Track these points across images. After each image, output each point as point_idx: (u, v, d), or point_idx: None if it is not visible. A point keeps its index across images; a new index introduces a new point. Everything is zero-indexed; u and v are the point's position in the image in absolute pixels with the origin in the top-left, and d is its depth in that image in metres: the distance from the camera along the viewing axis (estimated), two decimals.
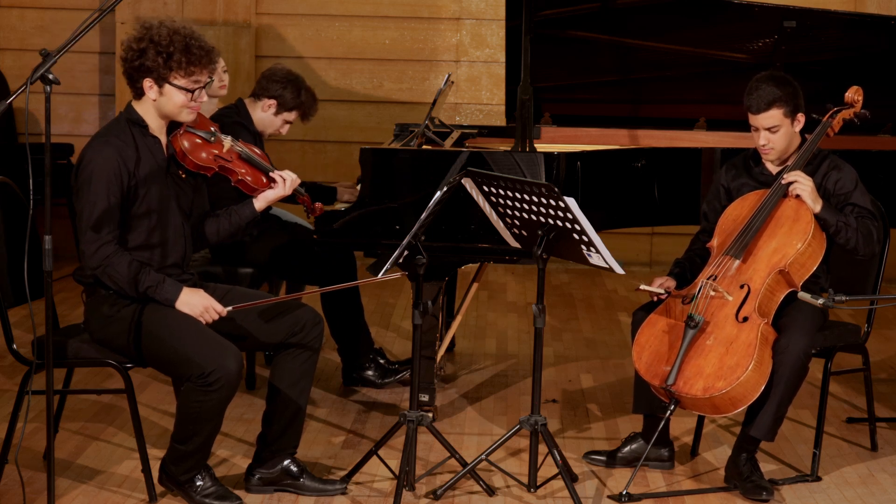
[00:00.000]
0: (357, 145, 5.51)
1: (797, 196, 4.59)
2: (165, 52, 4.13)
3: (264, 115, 5.61)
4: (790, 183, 4.60)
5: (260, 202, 4.40)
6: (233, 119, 5.50)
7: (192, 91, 4.18)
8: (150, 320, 4.19)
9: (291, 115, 5.64)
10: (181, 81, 4.17)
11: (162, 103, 4.21)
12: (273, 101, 5.59)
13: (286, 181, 4.40)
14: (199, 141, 4.29)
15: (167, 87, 4.17)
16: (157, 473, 4.33)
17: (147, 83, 4.18)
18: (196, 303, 4.21)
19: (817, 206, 4.59)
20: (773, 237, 4.59)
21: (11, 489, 4.31)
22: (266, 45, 8.60)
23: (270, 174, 4.41)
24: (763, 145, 4.70)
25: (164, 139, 4.28)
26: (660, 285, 4.68)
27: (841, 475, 4.81)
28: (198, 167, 4.29)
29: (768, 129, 4.66)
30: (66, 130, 8.66)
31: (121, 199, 4.14)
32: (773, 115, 4.65)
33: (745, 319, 4.47)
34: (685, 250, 4.90)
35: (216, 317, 4.23)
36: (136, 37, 4.17)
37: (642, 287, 4.64)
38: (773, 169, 4.76)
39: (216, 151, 4.30)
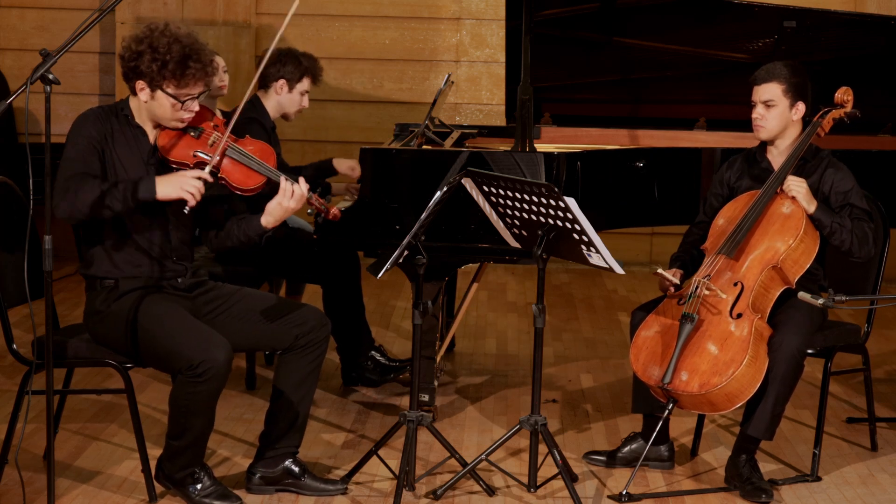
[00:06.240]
0: (357, 145, 5.52)
1: (792, 198, 4.61)
2: (161, 60, 4.12)
3: (281, 98, 5.74)
4: (783, 183, 4.63)
5: (266, 217, 4.22)
6: (246, 116, 5.55)
7: (183, 101, 4.17)
8: (142, 316, 4.19)
9: (304, 84, 5.75)
10: (173, 91, 4.16)
11: (152, 107, 4.22)
12: (282, 81, 5.70)
13: (288, 192, 4.15)
14: (176, 134, 4.25)
15: (159, 93, 4.17)
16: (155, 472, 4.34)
17: (139, 85, 4.19)
18: (174, 179, 4.08)
19: (812, 207, 4.61)
20: (766, 234, 4.60)
21: (11, 489, 4.31)
22: (266, 45, 8.58)
23: (281, 179, 4.17)
24: (755, 119, 4.72)
25: (151, 132, 4.28)
26: (671, 279, 4.70)
27: (841, 475, 4.81)
28: (172, 162, 4.24)
29: (764, 103, 4.69)
30: (65, 130, 8.55)
31: (97, 163, 4.13)
32: (772, 89, 4.68)
33: (739, 316, 4.49)
34: (679, 243, 4.92)
35: (199, 185, 4.07)
36: (137, 38, 4.17)
37: (659, 271, 4.66)
38: (775, 164, 4.77)
39: (197, 147, 4.24)
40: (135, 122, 4.25)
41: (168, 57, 4.12)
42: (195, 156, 4.23)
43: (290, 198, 4.17)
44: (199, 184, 4.08)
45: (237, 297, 4.41)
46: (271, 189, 4.25)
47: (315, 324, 4.37)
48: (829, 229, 4.61)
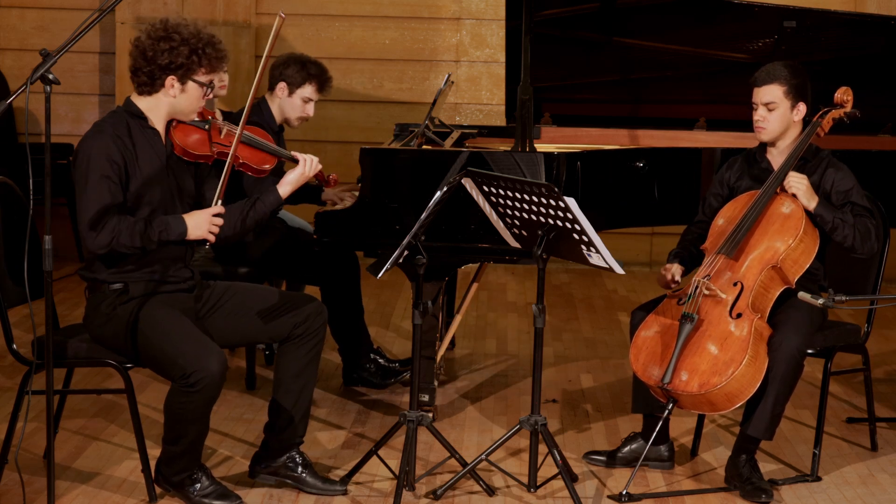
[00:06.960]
0: (357, 145, 5.51)
1: (793, 195, 4.61)
2: (198, 49, 4.20)
3: (281, 101, 5.66)
4: (784, 181, 4.63)
5: (284, 187, 4.38)
6: (249, 119, 5.52)
7: (210, 87, 4.26)
8: (143, 320, 4.19)
9: (306, 91, 5.64)
10: (203, 77, 4.23)
11: (180, 100, 4.24)
12: (283, 84, 5.63)
13: (308, 162, 4.41)
14: (192, 131, 4.32)
15: (190, 83, 4.22)
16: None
17: (170, 80, 4.21)
18: (202, 222, 4.22)
19: (812, 204, 4.60)
20: (765, 234, 4.60)
21: (11, 489, 4.31)
22: (266, 45, 8.57)
23: (293, 154, 4.45)
24: (757, 121, 4.72)
25: (163, 133, 4.29)
26: (672, 273, 4.70)
27: (841, 475, 4.81)
28: (195, 157, 4.31)
29: (765, 105, 4.69)
30: (66, 130, 8.66)
31: (120, 187, 4.15)
32: (773, 91, 4.68)
33: (739, 316, 4.49)
34: (678, 241, 4.92)
35: (221, 223, 4.24)
36: (159, 37, 4.20)
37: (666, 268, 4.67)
38: (774, 165, 4.77)
39: (212, 139, 4.33)
40: (150, 126, 4.26)
41: (201, 44, 4.21)
42: (214, 146, 4.32)
43: (310, 167, 4.42)
44: (221, 221, 4.25)
45: (231, 292, 4.42)
46: (279, 169, 4.47)
47: (311, 312, 4.38)
48: (832, 225, 4.60)
